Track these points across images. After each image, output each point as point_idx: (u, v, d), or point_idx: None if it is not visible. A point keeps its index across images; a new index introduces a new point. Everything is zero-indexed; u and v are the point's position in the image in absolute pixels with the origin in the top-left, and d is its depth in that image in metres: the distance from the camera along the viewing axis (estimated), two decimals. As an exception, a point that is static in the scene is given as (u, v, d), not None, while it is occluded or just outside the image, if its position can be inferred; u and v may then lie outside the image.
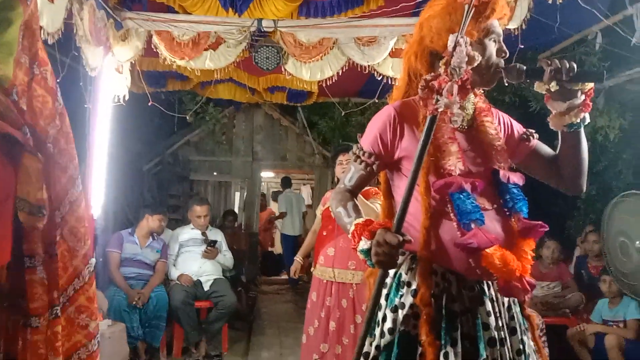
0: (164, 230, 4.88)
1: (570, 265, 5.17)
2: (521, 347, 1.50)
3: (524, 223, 1.57)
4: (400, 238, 1.32)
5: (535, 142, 1.69)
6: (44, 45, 3.01)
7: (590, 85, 1.49)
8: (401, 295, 1.50)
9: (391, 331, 1.47)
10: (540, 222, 1.58)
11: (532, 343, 1.55)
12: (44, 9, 2.81)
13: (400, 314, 1.47)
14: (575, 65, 1.44)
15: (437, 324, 1.43)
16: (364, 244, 1.39)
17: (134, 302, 4.35)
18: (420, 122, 1.52)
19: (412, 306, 1.46)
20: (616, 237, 3.61)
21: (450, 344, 1.40)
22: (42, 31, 2.84)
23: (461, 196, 1.46)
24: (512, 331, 1.52)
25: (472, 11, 1.45)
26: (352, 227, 1.45)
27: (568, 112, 1.52)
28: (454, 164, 1.51)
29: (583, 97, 1.50)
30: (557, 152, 1.66)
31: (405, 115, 1.58)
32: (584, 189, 1.70)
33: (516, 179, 1.60)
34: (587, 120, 1.54)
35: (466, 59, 1.39)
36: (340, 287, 3.41)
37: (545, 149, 1.69)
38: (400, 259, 1.51)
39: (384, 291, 1.53)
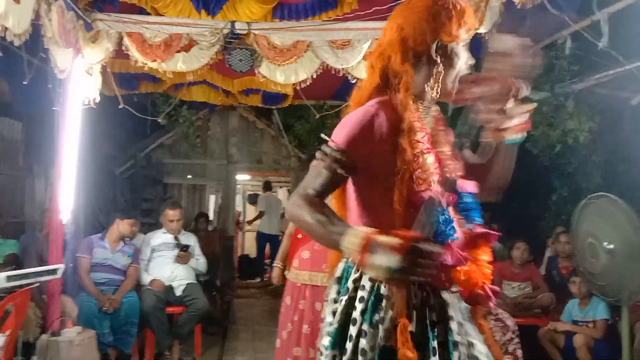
0: (135, 235, 4.80)
1: (541, 266, 5.25)
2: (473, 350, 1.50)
3: (478, 231, 1.56)
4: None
5: (465, 150, 1.70)
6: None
7: (534, 105, 1.55)
8: (380, 310, 1.45)
9: (372, 348, 1.44)
10: (492, 232, 1.58)
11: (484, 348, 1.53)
12: (9, 9, 2.74)
13: (381, 329, 1.44)
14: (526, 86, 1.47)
15: (420, 335, 1.42)
16: (389, 260, 1.21)
17: (104, 308, 4.27)
18: (404, 126, 1.46)
19: (392, 320, 1.44)
20: (585, 238, 3.68)
21: (432, 354, 1.40)
22: (7, 32, 2.77)
23: (438, 211, 1.44)
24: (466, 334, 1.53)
25: (455, 16, 1.48)
26: (357, 239, 1.27)
27: (511, 129, 1.55)
28: (431, 176, 1.47)
29: (527, 115, 1.55)
30: (485, 161, 1.64)
31: (384, 117, 1.48)
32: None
33: (470, 187, 1.59)
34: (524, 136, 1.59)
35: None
36: (314, 290, 3.40)
37: (471, 158, 1.69)
38: None
39: (360, 306, 1.42)
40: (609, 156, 5.47)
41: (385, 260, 1.21)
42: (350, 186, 1.56)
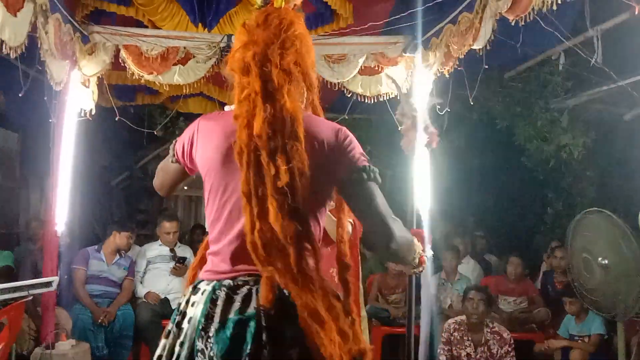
0: (131, 247, 4.79)
1: (536, 281, 5.25)
2: None
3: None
4: None
5: None
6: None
7: None
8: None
9: None
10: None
11: None
12: (5, 22, 2.74)
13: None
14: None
15: None
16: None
17: (99, 321, 4.25)
18: None
19: None
20: (579, 254, 3.69)
21: None
22: (3, 45, 2.78)
23: None
24: None
25: None
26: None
27: None
28: None
29: None
30: None
31: None
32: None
33: None
34: None
35: None
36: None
37: None
38: None
39: None
40: (604, 171, 5.50)
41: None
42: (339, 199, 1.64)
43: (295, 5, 1.57)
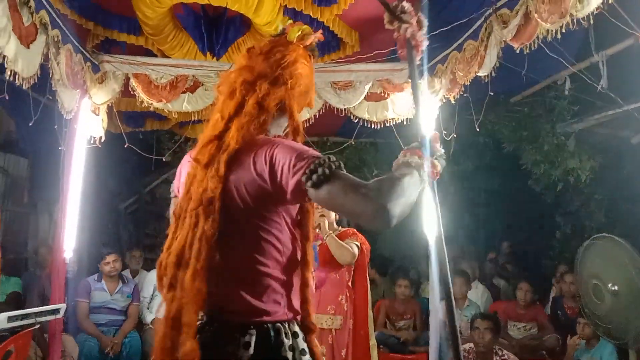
0: (118, 270, 4.66)
1: (546, 306, 5.19)
2: None
3: None
4: None
5: None
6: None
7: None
8: None
9: None
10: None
11: None
12: (19, 54, 2.80)
13: None
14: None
15: None
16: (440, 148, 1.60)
17: (106, 352, 4.23)
18: None
19: None
20: (589, 280, 3.65)
21: None
22: (16, 77, 2.84)
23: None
24: None
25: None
26: (413, 153, 1.48)
27: None
28: None
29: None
30: None
31: None
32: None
33: None
34: None
35: None
36: (319, 334, 3.37)
37: None
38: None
39: None
40: (612, 195, 5.47)
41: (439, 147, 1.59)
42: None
43: (310, 43, 1.59)
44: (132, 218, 7.81)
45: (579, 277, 3.90)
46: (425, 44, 1.73)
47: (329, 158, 1.30)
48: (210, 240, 1.37)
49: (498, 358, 3.92)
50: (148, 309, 4.74)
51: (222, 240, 1.39)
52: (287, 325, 1.44)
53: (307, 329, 1.49)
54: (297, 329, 1.46)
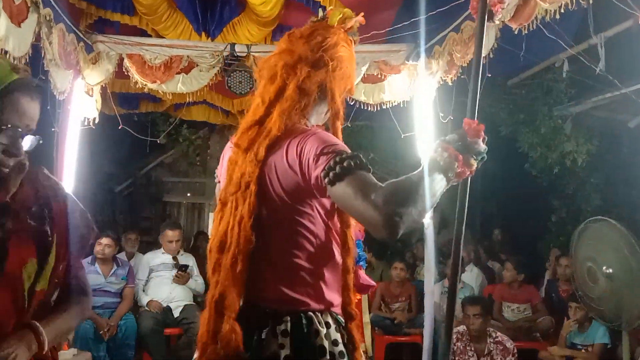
0: (108, 255, 4.57)
1: (541, 288, 5.22)
2: None
3: (363, 282, 1.69)
4: None
5: None
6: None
7: None
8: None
9: None
10: (372, 284, 1.71)
11: None
12: (10, 33, 2.75)
13: None
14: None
15: None
16: (482, 145, 1.33)
17: (102, 333, 4.23)
18: None
19: None
20: (584, 263, 3.66)
21: None
22: (7, 55, 2.79)
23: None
24: None
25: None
26: (443, 150, 1.27)
27: None
28: None
29: None
30: None
31: None
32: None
33: (357, 234, 1.65)
34: None
35: None
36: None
37: None
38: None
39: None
40: (608, 178, 5.48)
41: (480, 144, 1.32)
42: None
43: (351, 27, 1.56)
44: (127, 201, 7.80)
45: (574, 260, 3.91)
46: (503, 5, 1.53)
47: (351, 155, 1.25)
48: (247, 224, 1.37)
49: (492, 340, 3.95)
50: (144, 291, 4.74)
51: (259, 226, 1.39)
52: (320, 315, 1.43)
53: (349, 315, 1.48)
54: (329, 319, 1.45)
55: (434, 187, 1.24)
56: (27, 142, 1.20)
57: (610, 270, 3.48)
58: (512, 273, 4.88)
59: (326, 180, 1.25)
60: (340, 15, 1.54)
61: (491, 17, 1.51)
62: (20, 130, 1.16)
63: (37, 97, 1.22)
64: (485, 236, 6.67)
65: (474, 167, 1.34)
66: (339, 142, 1.36)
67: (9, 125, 1.14)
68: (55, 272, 1.27)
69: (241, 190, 1.41)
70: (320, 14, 1.59)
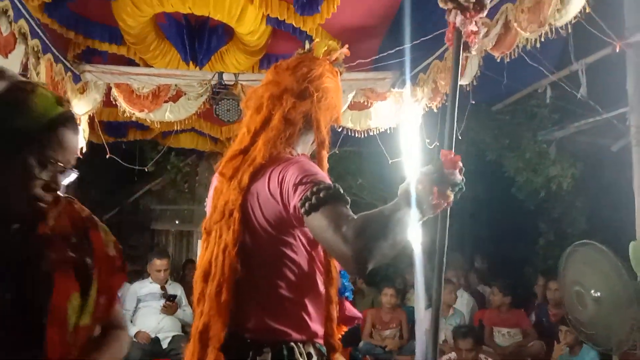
0: None
1: (531, 313, 5.22)
2: None
3: (347, 313, 1.67)
4: None
5: None
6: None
7: None
8: None
9: None
10: (358, 316, 1.69)
11: None
12: (-3, 64, 2.77)
13: None
14: None
15: None
16: (458, 176, 1.29)
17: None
18: None
19: None
20: (572, 286, 3.67)
21: None
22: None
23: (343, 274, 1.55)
24: None
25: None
26: (422, 176, 1.26)
27: None
28: None
29: None
30: None
31: None
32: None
33: None
34: None
35: None
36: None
37: None
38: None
39: None
40: (593, 201, 5.54)
41: (458, 176, 1.29)
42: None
43: (336, 59, 1.59)
44: (115, 229, 7.68)
45: (562, 284, 3.92)
46: (478, 37, 1.50)
47: (329, 186, 1.26)
48: (232, 252, 1.37)
49: (483, 365, 3.93)
50: (131, 322, 4.67)
51: (243, 255, 1.39)
52: (302, 346, 1.42)
53: (331, 346, 1.47)
54: (312, 350, 1.43)
55: (408, 220, 1.23)
56: (67, 177, 1.18)
57: (599, 294, 3.48)
58: (499, 297, 4.90)
59: (302, 210, 1.25)
60: (326, 48, 1.58)
61: (467, 48, 1.53)
62: (62, 165, 1.14)
63: (78, 130, 1.20)
64: (474, 260, 6.67)
65: (451, 199, 1.32)
66: (319, 171, 1.37)
67: (52, 161, 1.12)
68: (97, 306, 1.22)
69: (225, 218, 1.42)
70: (307, 46, 1.62)
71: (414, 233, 3.89)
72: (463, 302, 5.26)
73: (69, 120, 1.16)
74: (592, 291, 3.49)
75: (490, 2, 1.58)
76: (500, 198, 6.31)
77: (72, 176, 1.20)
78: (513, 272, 6.20)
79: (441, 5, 1.50)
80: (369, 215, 1.22)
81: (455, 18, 1.47)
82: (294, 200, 1.29)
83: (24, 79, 1.14)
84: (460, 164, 1.35)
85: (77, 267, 1.18)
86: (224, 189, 1.47)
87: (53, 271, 1.14)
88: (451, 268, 5.88)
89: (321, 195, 1.23)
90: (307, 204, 1.24)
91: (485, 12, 1.50)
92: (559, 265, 3.85)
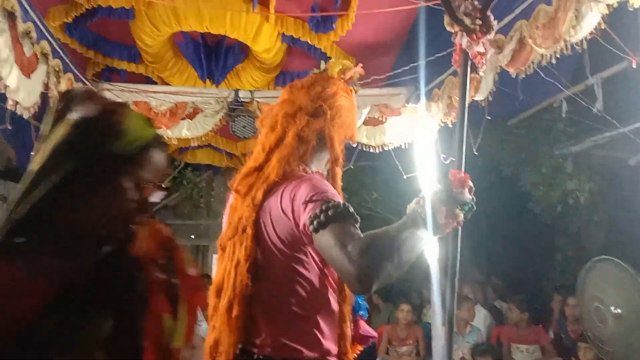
0: None
1: (550, 329, 5.14)
2: None
3: (362, 332, 1.66)
4: None
5: None
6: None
7: None
8: None
9: None
10: (372, 335, 1.67)
11: None
12: (20, 84, 2.83)
13: None
14: None
15: None
16: (467, 195, 1.31)
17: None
18: None
19: None
20: (591, 303, 3.63)
21: None
22: (17, 106, 2.86)
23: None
24: None
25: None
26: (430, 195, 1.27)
27: None
28: None
29: None
30: None
31: None
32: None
33: None
34: None
35: None
36: None
37: None
38: None
39: None
40: (611, 216, 5.48)
41: (467, 195, 1.30)
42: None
43: (351, 77, 1.62)
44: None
45: (581, 300, 3.87)
46: (485, 58, 1.52)
47: (338, 204, 1.27)
48: (244, 268, 1.39)
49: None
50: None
51: (255, 272, 1.40)
52: None
53: None
54: None
55: (414, 240, 1.23)
56: (157, 197, 1.17)
57: (619, 311, 3.44)
58: (516, 313, 4.83)
59: (311, 227, 1.27)
60: (340, 67, 1.60)
61: (474, 70, 1.55)
62: (154, 186, 1.13)
63: (167, 150, 1.19)
64: (491, 276, 6.61)
65: (461, 218, 1.32)
66: (330, 189, 1.38)
67: (145, 183, 1.11)
68: (189, 328, 1.20)
69: (238, 234, 1.44)
70: (322, 65, 1.64)
71: (430, 248, 3.87)
72: (480, 318, 5.20)
73: (160, 141, 1.16)
74: (612, 307, 3.45)
75: (497, 23, 1.60)
76: (517, 213, 6.27)
77: (161, 196, 1.19)
78: (530, 288, 6.13)
79: (448, 28, 1.53)
80: (375, 234, 1.23)
81: (462, 40, 1.50)
82: (304, 218, 1.31)
83: (112, 100, 1.13)
84: (470, 183, 1.35)
85: (166, 289, 1.17)
86: (238, 205, 1.49)
87: (147, 294, 1.13)
88: (467, 283, 5.83)
89: (329, 213, 1.25)
90: (315, 222, 1.26)
91: (492, 34, 1.52)
92: (578, 281, 3.82)
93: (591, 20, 2.33)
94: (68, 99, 1.08)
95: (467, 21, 1.50)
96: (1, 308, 0.95)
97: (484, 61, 1.52)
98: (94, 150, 1.05)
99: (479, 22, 1.49)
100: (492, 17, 1.53)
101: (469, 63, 1.53)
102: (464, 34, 1.49)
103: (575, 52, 2.71)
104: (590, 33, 2.41)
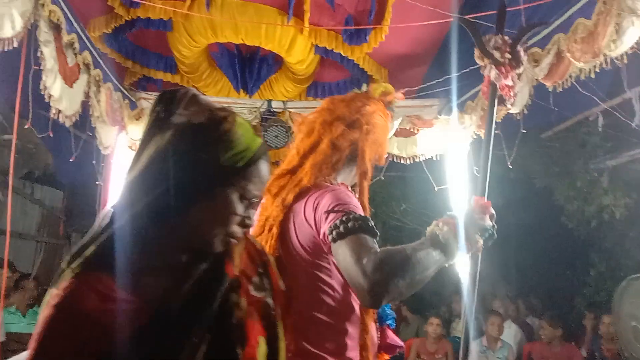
0: None
1: (582, 347, 5.03)
2: None
3: (389, 341, 1.65)
4: None
5: None
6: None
7: None
8: None
9: None
10: (399, 344, 1.67)
11: None
12: (63, 93, 2.92)
13: None
14: None
15: None
16: (488, 222, 1.36)
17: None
18: None
19: None
20: (628, 322, 3.54)
21: None
22: (60, 114, 2.95)
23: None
24: None
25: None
26: (445, 225, 1.28)
27: None
28: None
29: None
30: None
31: None
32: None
33: None
34: None
35: None
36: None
37: None
38: None
39: None
40: (648, 232, 5.35)
41: (487, 221, 1.34)
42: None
43: (390, 101, 1.66)
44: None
45: (616, 319, 3.78)
46: (513, 91, 1.54)
47: (358, 217, 1.28)
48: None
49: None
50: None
51: (279, 273, 1.37)
52: None
53: None
54: None
55: (429, 261, 1.23)
56: (257, 210, 1.16)
57: (657, 330, 3.35)
58: (549, 330, 4.72)
59: (330, 237, 1.29)
60: (382, 89, 1.64)
61: (502, 102, 1.57)
62: (258, 198, 1.06)
63: (269, 160, 1.10)
64: (522, 291, 6.50)
65: (480, 244, 1.34)
66: (353, 201, 1.39)
67: (250, 196, 1.03)
68: (287, 351, 1.14)
69: (264, 232, 1.47)
70: (364, 87, 1.71)
71: (461, 262, 3.83)
72: (511, 333, 5.12)
73: (266, 151, 1.08)
74: (650, 327, 3.36)
75: (534, 36, 1.64)
76: (550, 226, 6.16)
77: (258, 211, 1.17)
78: (562, 304, 6.01)
79: (478, 61, 1.56)
80: (391, 251, 1.23)
81: (491, 72, 1.54)
82: (324, 227, 1.33)
83: (216, 105, 1.05)
84: (492, 211, 1.39)
85: (261, 310, 1.09)
86: (268, 205, 1.53)
87: (244, 319, 1.04)
88: (498, 298, 5.75)
89: (349, 225, 1.27)
90: (334, 232, 1.28)
91: (522, 69, 1.57)
92: (614, 299, 3.73)
93: (632, 34, 2.29)
94: (168, 101, 1.00)
95: (497, 55, 1.53)
96: (91, 326, 0.90)
97: (512, 94, 1.55)
98: (201, 160, 0.97)
99: (508, 55, 1.53)
100: (522, 52, 1.57)
101: (497, 94, 1.55)
102: (493, 66, 1.53)
103: (614, 65, 2.66)
104: (631, 47, 2.37)
